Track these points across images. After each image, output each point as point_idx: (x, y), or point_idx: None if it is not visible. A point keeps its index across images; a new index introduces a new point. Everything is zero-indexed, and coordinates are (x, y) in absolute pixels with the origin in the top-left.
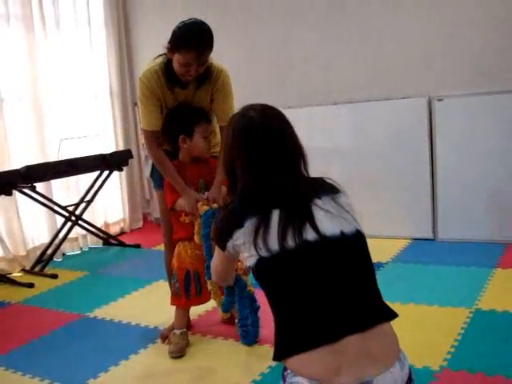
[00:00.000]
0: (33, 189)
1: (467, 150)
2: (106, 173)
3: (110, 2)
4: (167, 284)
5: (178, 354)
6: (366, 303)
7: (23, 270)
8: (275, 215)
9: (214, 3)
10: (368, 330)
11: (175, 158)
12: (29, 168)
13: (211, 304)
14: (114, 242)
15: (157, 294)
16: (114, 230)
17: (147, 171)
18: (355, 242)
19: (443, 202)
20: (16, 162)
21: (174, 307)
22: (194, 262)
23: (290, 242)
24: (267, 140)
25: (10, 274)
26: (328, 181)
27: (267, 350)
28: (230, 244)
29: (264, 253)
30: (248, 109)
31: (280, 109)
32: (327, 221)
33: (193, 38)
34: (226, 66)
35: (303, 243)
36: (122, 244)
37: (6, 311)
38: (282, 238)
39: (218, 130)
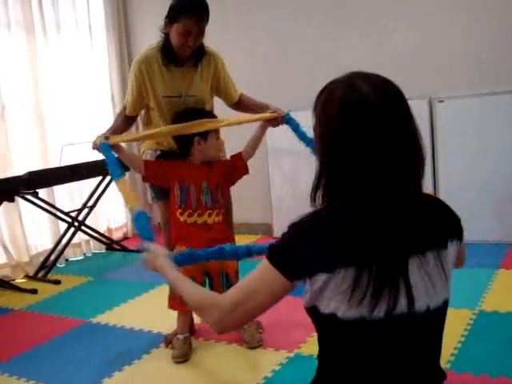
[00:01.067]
0: (35, 195)
1: (469, 152)
2: (108, 178)
3: (110, 7)
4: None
5: (182, 358)
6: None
7: (26, 276)
8: (367, 269)
9: (214, 5)
10: None
11: (182, 158)
12: (31, 174)
13: None
14: (117, 247)
15: (160, 299)
16: (116, 235)
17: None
18: (437, 318)
19: (446, 203)
20: (18, 169)
21: (176, 312)
22: (191, 268)
23: (379, 313)
24: (387, 133)
25: (14, 280)
26: (444, 213)
27: (271, 353)
28: (304, 281)
29: (343, 313)
30: (354, 77)
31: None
32: (418, 292)
33: (192, 4)
34: (228, 63)
35: (390, 316)
36: (125, 249)
37: (9, 317)
38: (373, 305)
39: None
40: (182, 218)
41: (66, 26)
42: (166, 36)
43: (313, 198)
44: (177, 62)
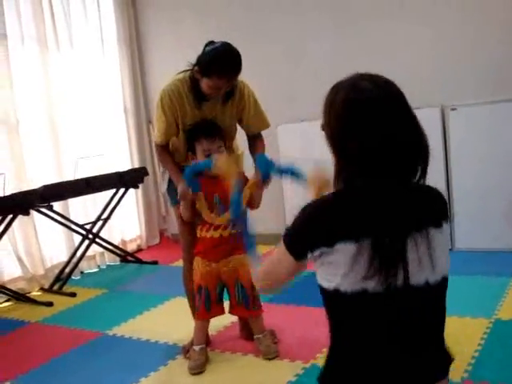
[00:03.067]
0: (50, 208)
1: (482, 159)
2: (122, 190)
3: (122, 20)
4: (186, 300)
5: (198, 370)
6: (428, 359)
7: (42, 288)
8: (367, 245)
9: (225, 18)
10: None
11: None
12: (46, 187)
13: (230, 319)
14: (131, 259)
15: (176, 311)
16: (131, 247)
17: (163, 187)
18: (436, 293)
19: (460, 211)
20: (33, 182)
21: (192, 323)
22: (206, 277)
23: (376, 285)
24: (387, 125)
25: (29, 293)
26: (439, 200)
27: (287, 364)
28: (308, 256)
29: (345, 287)
30: (357, 78)
31: (292, 123)
32: (416, 266)
33: (225, 66)
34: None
35: (390, 289)
36: (139, 261)
37: (25, 330)
38: (370, 277)
39: (237, 145)
40: (202, 234)
41: (78, 40)
42: (195, 78)
43: (335, 185)
44: (205, 99)
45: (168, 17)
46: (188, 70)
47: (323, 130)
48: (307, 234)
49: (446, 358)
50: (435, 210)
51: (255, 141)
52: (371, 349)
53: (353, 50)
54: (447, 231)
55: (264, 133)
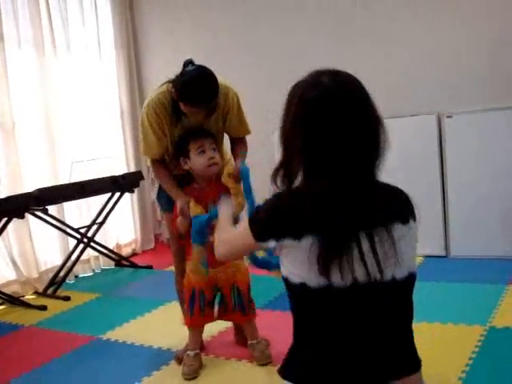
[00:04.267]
0: (45, 211)
1: (478, 167)
2: (117, 194)
3: (119, 24)
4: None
5: (191, 375)
6: (396, 354)
7: (36, 292)
8: (323, 242)
9: (221, 24)
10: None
11: (188, 184)
12: (41, 191)
13: (224, 325)
14: (126, 263)
15: (170, 316)
16: (125, 252)
17: (153, 194)
18: (403, 289)
19: (455, 218)
20: (28, 185)
21: (186, 328)
22: (200, 281)
23: (341, 281)
24: (345, 123)
25: (23, 296)
26: (402, 197)
27: None
28: (270, 243)
29: (311, 282)
30: (320, 74)
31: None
32: (383, 260)
33: (197, 95)
34: (234, 80)
35: (355, 285)
36: (134, 265)
37: (19, 334)
38: (331, 271)
39: (226, 150)
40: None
41: (75, 44)
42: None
43: (273, 180)
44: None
45: (165, 21)
46: (170, 82)
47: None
48: (274, 221)
49: (413, 356)
50: (399, 206)
51: (237, 143)
52: (333, 344)
53: (350, 57)
54: (415, 229)
55: (261, 139)
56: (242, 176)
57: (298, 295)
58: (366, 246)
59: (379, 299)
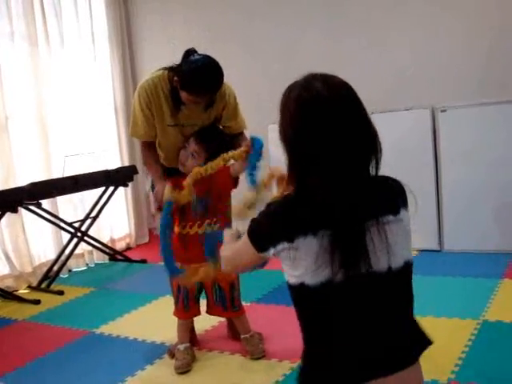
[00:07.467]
0: (38, 205)
1: (472, 161)
2: (111, 188)
3: (113, 18)
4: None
5: (184, 369)
6: (399, 344)
7: (29, 286)
8: (326, 237)
9: (216, 18)
10: (396, 373)
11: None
12: (34, 185)
13: (217, 319)
14: (120, 257)
15: (163, 310)
16: (119, 246)
17: (147, 185)
18: (400, 277)
19: (449, 213)
20: (21, 179)
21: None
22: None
23: (339, 275)
24: (339, 124)
25: (17, 290)
26: (395, 188)
27: (274, 364)
28: (270, 252)
29: (310, 280)
30: (311, 78)
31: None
32: (378, 252)
33: (205, 84)
34: (228, 74)
35: (352, 277)
36: (128, 259)
37: (12, 328)
38: (331, 268)
39: None
40: (184, 231)
41: (69, 37)
42: (174, 86)
43: (289, 182)
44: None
45: (159, 15)
46: (167, 69)
47: (279, 126)
48: (269, 229)
49: (422, 339)
50: (392, 198)
51: (238, 136)
52: (343, 339)
53: (344, 52)
54: (407, 217)
55: (255, 132)
56: (252, 145)
57: (300, 297)
58: (372, 237)
59: (378, 290)
